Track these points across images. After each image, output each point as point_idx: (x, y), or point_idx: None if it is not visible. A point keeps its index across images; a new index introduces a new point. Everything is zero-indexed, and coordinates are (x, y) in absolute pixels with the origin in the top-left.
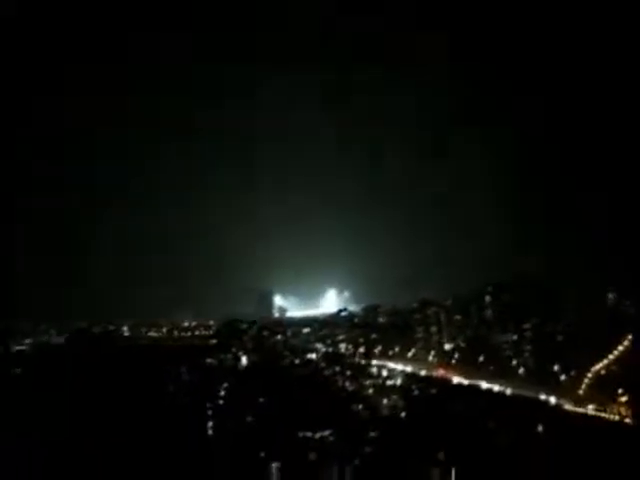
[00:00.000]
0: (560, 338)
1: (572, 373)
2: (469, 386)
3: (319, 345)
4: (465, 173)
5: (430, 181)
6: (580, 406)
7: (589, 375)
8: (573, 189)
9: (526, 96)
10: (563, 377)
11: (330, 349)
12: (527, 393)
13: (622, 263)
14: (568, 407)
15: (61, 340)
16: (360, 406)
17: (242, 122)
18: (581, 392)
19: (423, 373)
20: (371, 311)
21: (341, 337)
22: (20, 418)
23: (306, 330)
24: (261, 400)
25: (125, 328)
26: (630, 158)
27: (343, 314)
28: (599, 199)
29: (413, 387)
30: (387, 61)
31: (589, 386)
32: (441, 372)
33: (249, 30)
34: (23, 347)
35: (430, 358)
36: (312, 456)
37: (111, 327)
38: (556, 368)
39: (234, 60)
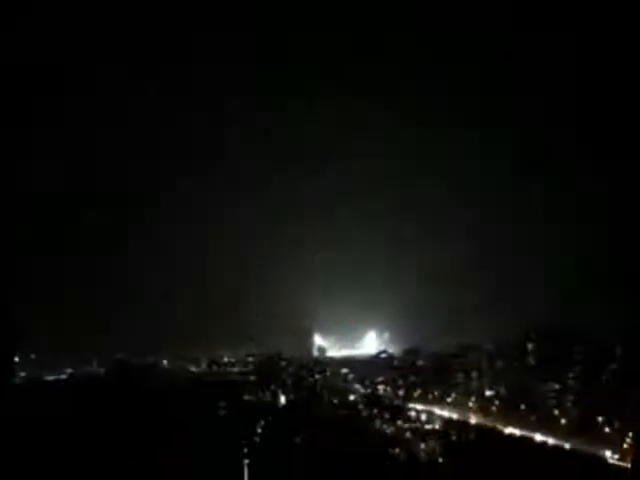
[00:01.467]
0: (605, 388)
1: (617, 425)
2: (509, 435)
3: (358, 386)
4: (509, 218)
5: (479, 226)
6: (625, 460)
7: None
8: (620, 239)
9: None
10: (607, 429)
11: (369, 390)
12: (568, 444)
13: None
14: (611, 460)
15: (101, 371)
16: (397, 450)
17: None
18: (626, 445)
19: (462, 418)
20: (411, 354)
21: (380, 379)
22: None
23: (345, 370)
24: (298, 440)
25: (165, 362)
26: None
27: (383, 356)
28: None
29: (451, 432)
30: None
31: (635, 440)
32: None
33: None
34: (64, 376)
35: (470, 404)
36: None
37: (150, 359)
38: (600, 419)
39: None
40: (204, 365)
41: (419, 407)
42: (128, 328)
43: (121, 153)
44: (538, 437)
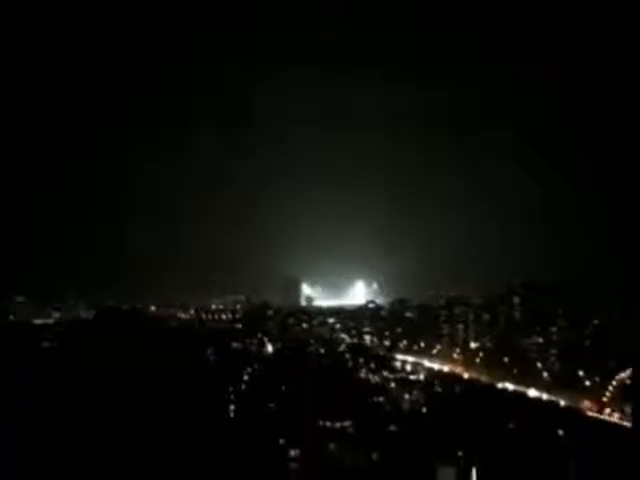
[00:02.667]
0: (587, 343)
1: (597, 379)
2: (492, 386)
3: (344, 336)
4: (503, 171)
5: (466, 178)
6: (603, 413)
7: (614, 383)
8: (608, 199)
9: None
10: (588, 383)
11: (355, 340)
12: (550, 396)
13: None
14: (591, 413)
15: (90, 315)
16: (382, 399)
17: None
18: (605, 399)
19: (447, 370)
20: (398, 305)
21: (367, 329)
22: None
23: (332, 320)
24: (284, 387)
25: (153, 308)
26: None
27: (370, 306)
28: (634, 208)
29: (436, 383)
30: None
31: (613, 393)
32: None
33: None
34: (51, 320)
35: (455, 356)
36: (332, 446)
37: (139, 306)
38: (581, 373)
39: None
40: (192, 312)
41: (404, 358)
42: (116, 276)
43: None
44: (521, 390)
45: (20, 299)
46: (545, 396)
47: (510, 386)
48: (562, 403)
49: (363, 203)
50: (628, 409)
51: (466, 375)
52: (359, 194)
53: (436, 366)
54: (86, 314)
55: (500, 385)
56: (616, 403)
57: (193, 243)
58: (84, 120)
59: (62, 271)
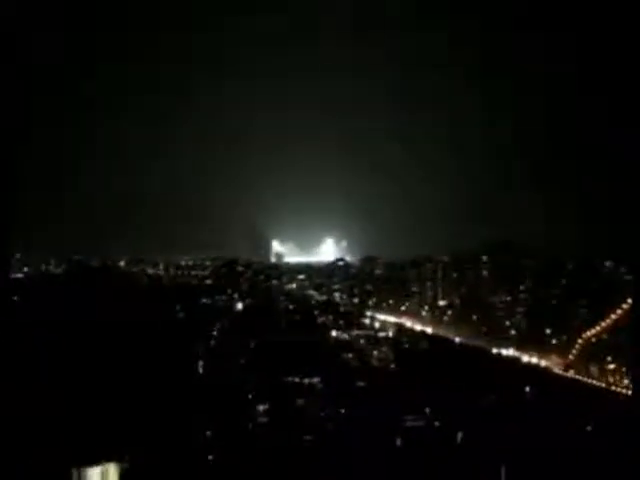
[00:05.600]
0: (554, 302)
1: (563, 338)
2: (460, 343)
3: (314, 292)
4: (471, 128)
5: (436, 133)
6: (568, 371)
7: (580, 341)
8: (577, 157)
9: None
10: (554, 341)
11: (324, 297)
12: (517, 354)
13: (620, 231)
14: (557, 371)
15: (59, 271)
16: (350, 355)
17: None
18: (571, 357)
19: (415, 327)
20: (368, 262)
21: (336, 286)
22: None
23: (302, 277)
24: (253, 343)
25: (122, 263)
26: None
27: (340, 264)
28: (600, 168)
29: (404, 340)
30: None
31: (579, 352)
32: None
33: None
34: (20, 275)
35: (423, 313)
36: (300, 402)
37: (108, 262)
38: (548, 332)
39: None
40: (161, 268)
41: (373, 315)
42: (85, 229)
43: None
44: (487, 346)
45: None
46: (512, 353)
47: (477, 343)
48: (529, 360)
49: (336, 161)
50: (593, 369)
51: (434, 332)
52: (333, 152)
53: (404, 323)
54: (55, 269)
55: (467, 342)
56: (582, 361)
57: (163, 198)
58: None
59: (31, 223)
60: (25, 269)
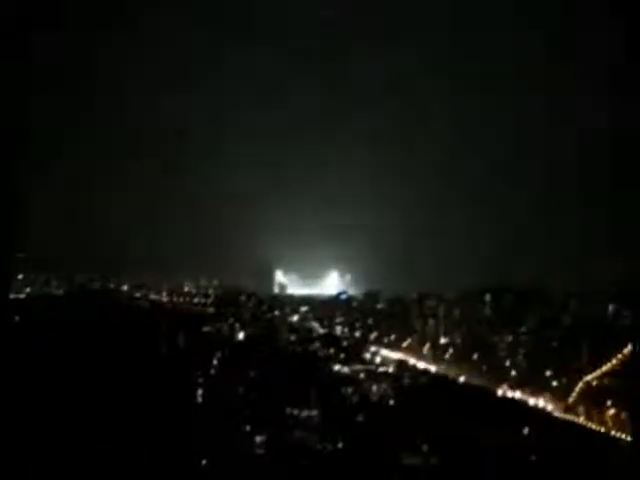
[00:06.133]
0: (555, 344)
1: (564, 380)
2: (459, 382)
3: (316, 324)
4: (479, 171)
5: (443, 175)
6: (568, 413)
7: (580, 384)
8: (579, 196)
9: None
10: (555, 383)
11: (326, 330)
12: (517, 395)
13: (624, 274)
14: (557, 413)
15: (60, 292)
16: (350, 390)
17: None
18: (571, 400)
19: (415, 363)
20: (371, 297)
21: (339, 319)
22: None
23: (304, 309)
24: (253, 374)
25: (125, 287)
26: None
27: (343, 297)
28: (603, 208)
29: (405, 376)
30: None
31: (579, 395)
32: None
33: None
34: (22, 295)
35: (425, 350)
36: (297, 433)
37: (111, 285)
38: (548, 373)
39: None
40: (164, 293)
41: (374, 349)
42: (89, 251)
43: None
44: (488, 386)
45: None
46: (511, 394)
47: (478, 382)
48: (528, 401)
49: (341, 193)
50: (592, 412)
51: (435, 369)
52: (338, 184)
53: (405, 359)
54: (57, 291)
55: (468, 381)
56: (582, 404)
57: (167, 225)
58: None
59: (33, 244)
60: (27, 290)
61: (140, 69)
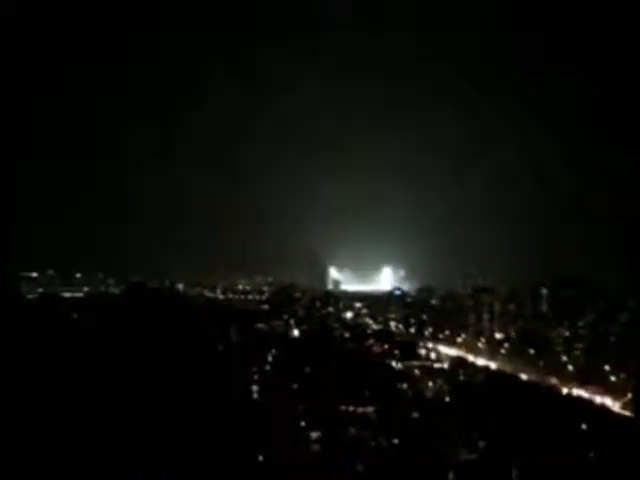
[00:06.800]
0: (613, 339)
1: (622, 376)
2: (516, 377)
3: (370, 321)
4: (533, 166)
5: (496, 171)
6: (627, 409)
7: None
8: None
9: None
10: (613, 379)
11: (381, 326)
12: (574, 391)
13: None
14: (615, 409)
15: (117, 291)
16: (405, 386)
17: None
18: (630, 395)
19: (471, 359)
20: (425, 292)
21: (393, 315)
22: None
23: (358, 305)
24: (307, 370)
25: (180, 286)
26: None
27: (397, 293)
28: None
29: (460, 372)
30: None
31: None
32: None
33: None
34: (81, 294)
35: (480, 345)
36: (352, 430)
37: (167, 283)
38: (607, 369)
39: None
40: (219, 291)
41: (429, 345)
42: (144, 250)
43: None
44: (544, 382)
45: (50, 272)
46: (569, 390)
47: (534, 378)
48: (585, 397)
49: (397, 191)
50: None
51: (490, 365)
52: (394, 182)
53: (461, 355)
54: (114, 289)
55: (524, 377)
56: None
57: (224, 223)
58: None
59: (87, 244)
60: (85, 289)
61: None
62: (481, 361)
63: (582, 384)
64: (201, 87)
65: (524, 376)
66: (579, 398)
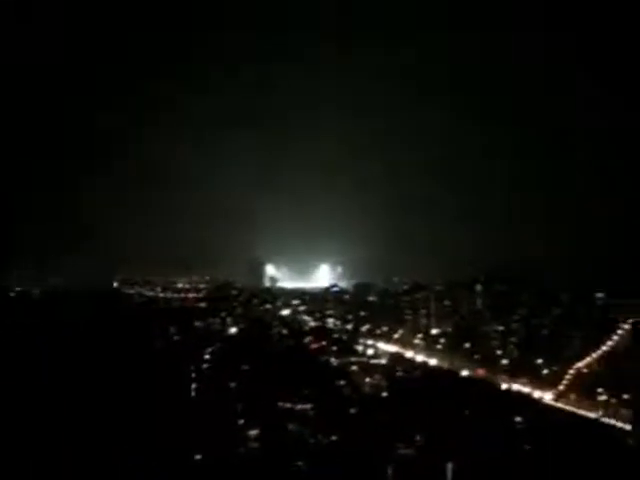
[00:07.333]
0: (546, 332)
1: (555, 368)
2: (452, 372)
3: (307, 318)
4: (466, 162)
5: (431, 166)
6: (559, 401)
7: (571, 371)
8: (574, 188)
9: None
10: (546, 371)
11: (318, 323)
12: (508, 383)
13: (614, 263)
14: (547, 401)
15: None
16: (342, 382)
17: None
18: (562, 387)
19: (408, 355)
20: (362, 289)
21: (330, 312)
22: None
23: (295, 302)
24: (245, 367)
25: (116, 284)
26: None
27: (334, 289)
28: (597, 201)
29: (397, 368)
30: None
31: (570, 382)
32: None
33: None
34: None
35: (416, 341)
36: (291, 427)
37: (102, 281)
38: (540, 361)
39: None
40: (158, 290)
41: (367, 342)
42: (84, 250)
43: None
44: (479, 375)
45: None
46: (503, 383)
47: (469, 373)
48: (520, 390)
49: (333, 187)
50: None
51: (427, 360)
52: (330, 179)
53: (398, 351)
54: (47, 287)
55: (460, 371)
56: (572, 392)
57: (159, 220)
58: None
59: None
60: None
61: None
62: (417, 356)
63: (516, 377)
64: None
65: (460, 370)
66: (513, 391)
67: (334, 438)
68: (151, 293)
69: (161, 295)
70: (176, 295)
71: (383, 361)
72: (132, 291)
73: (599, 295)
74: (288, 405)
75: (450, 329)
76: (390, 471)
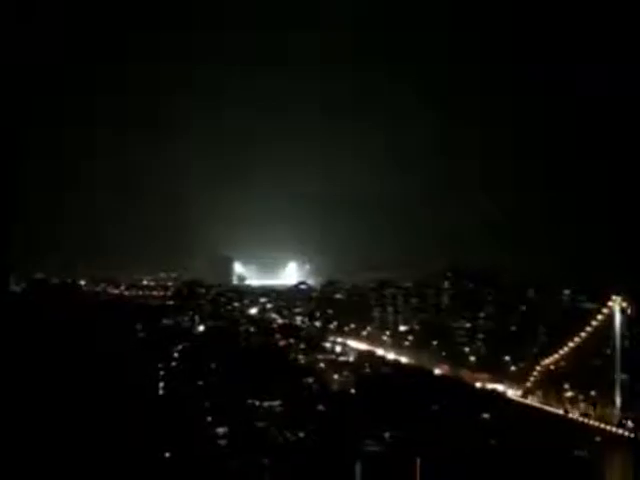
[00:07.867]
0: (514, 329)
1: (522, 365)
2: (419, 368)
3: (275, 315)
4: (436, 160)
5: (405, 163)
6: (526, 397)
7: (538, 368)
8: (542, 187)
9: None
10: (513, 368)
11: (286, 320)
12: (475, 380)
13: (581, 260)
14: (515, 397)
15: (18, 289)
16: (310, 379)
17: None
18: (529, 384)
19: (375, 351)
20: (330, 286)
21: (298, 309)
22: None
23: (263, 300)
24: (213, 365)
25: (83, 282)
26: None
27: (302, 287)
28: (566, 199)
29: (365, 365)
30: None
31: (537, 379)
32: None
33: None
34: None
35: (384, 338)
36: (259, 424)
37: (69, 280)
38: (507, 358)
39: None
40: (123, 287)
41: (335, 339)
42: (48, 246)
43: None
44: (447, 372)
45: None
46: (470, 379)
47: (437, 369)
48: (487, 387)
49: (302, 185)
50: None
51: (394, 357)
52: (299, 176)
53: (366, 348)
54: (16, 287)
55: (427, 368)
56: (539, 388)
57: (125, 218)
58: None
59: None
60: None
61: None
62: (385, 353)
63: (483, 373)
64: None
65: (428, 367)
66: (481, 387)
67: (302, 435)
68: (116, 291)
69: (126, 293)
70: (141, 293)
71: (351, 358)
72: (98, 289)
73: (566, 292)
74: (257, 402)
75: (418, 326)
76: (359, 467)
